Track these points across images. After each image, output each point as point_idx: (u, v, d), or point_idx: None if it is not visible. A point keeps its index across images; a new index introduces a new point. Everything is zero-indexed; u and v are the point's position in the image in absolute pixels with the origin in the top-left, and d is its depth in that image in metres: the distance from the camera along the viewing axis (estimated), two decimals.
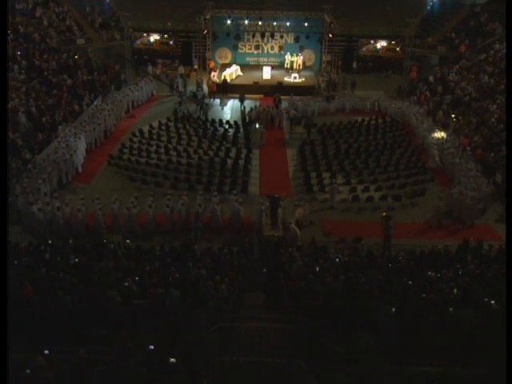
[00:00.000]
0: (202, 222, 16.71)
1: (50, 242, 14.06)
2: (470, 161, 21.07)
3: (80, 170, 21.23)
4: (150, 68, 36.29)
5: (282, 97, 30.68)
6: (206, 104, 30.08)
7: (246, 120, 27.26)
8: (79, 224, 16.56)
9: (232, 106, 30.57)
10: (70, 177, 20.23)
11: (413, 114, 27.95)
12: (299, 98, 30.43)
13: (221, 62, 37.85)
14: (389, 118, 28.59)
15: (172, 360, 7.40)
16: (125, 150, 23.00)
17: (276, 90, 31.39)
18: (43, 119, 22.98)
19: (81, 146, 21.68)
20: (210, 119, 27.62)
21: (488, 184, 18.82)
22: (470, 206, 17.68)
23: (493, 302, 10.22)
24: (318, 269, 12.52)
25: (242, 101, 29.53)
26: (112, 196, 17.42)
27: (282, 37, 37.43)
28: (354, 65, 37.95)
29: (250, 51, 38.11)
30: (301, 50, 37.24)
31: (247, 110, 28.26)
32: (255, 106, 28.58)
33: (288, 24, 36.22)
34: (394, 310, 9.97)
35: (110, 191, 18.45)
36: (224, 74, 33.58)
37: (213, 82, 32.50)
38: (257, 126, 26.71)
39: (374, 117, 28.53)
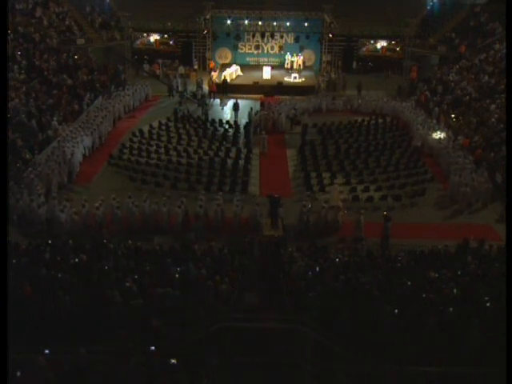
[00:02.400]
0: (202, 223, 16.70)
1: (49, 241, 14.05)
2: (459, 150, 22.27)
3: (73, 178, 20.42)
4: (146, 66, 36.27)
5: (282, 97, 30.75)
6: (207, 104, 30.02)
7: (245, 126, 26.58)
8: (117, 223, 16.67)
9: (232, 106, 30.50)
10: (56, 188, 18.96)
11: (406, 108, 28.69)
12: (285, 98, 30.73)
13: (221, 61, 37.86)
14: (389, 117, 28.63)
15: (172, 360, 7.41)
16: (125, 150, 22.98)
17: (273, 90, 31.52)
18: (43, 119, 22.97)
19: (77, 153, 21.11)
20: (210, 119, 27.59)
21: (482, 169, 20.09)
22: (484, 189, 19.14)
23: (492, 302, 10.23)
24: (318, 269, 12.52)
25: (236, 110, 28.54)
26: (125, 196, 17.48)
27: (282, 37, 37.45)
28: (354, 65, 37.98)
29: (250, 51, 38.13)
30: (301, 50, 37.28)
31: (252, 114, 27.69)
32: (256, 112, 27.94)
33: (288, 24, 36.24)
34: (396, 310, 9.98)
35: (111, 191, 18.43)
36: (224, 74, 33.59)
37: (213, 82, 32.49)
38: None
39: (373, 117, 28.58)
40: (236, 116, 28.28)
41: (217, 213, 16.94)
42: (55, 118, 23.05)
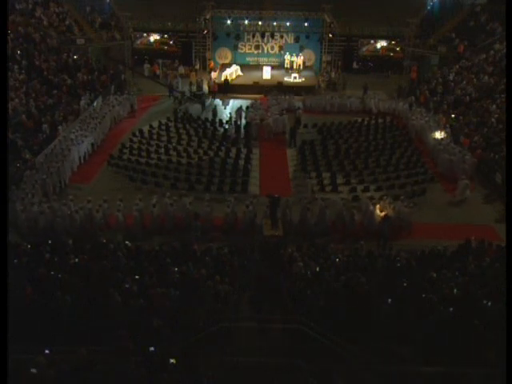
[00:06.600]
0: (201, 223, 16.69)
1: (49, 241, 14.04)
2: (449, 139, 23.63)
3: (63, 185, 19.82)
4: (147, 66, 36.23)
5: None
6: (210, 103, 29.97)
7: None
8: (153, 222, 16.98)
9: (232, 106, 30.53)
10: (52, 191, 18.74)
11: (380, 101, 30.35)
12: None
13: (221, 61, 37.87)
14: (389, 117, 28.66)
15: (172, 360, 7.41)
16: (125, 150, 22.97)
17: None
18: (43, 119, 22.94)
19: (69, 160, 20.65)
20: (210, 119, 27.57)
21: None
22: (471, 163, 21.12)
23: (492, 302, 10.22)
24: (318, 269, 12.52)
25: (214, 116, 27.94)
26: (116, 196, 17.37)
27: (281, 37, 37.46)
28: (354, 65, 37.99)
29: (250, 51, 38.12)
30: (301, 49, 37.28)
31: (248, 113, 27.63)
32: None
33: (288, 24, 36.26)
34: (394, 309, 9.98)
35: (110, 191, 18.43)
36: (224, 73, 33.59)
37: (214, 82, 32.49)
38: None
39: (373, 116, 28.61)
40: (214, 119, 27.53)
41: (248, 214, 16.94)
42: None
